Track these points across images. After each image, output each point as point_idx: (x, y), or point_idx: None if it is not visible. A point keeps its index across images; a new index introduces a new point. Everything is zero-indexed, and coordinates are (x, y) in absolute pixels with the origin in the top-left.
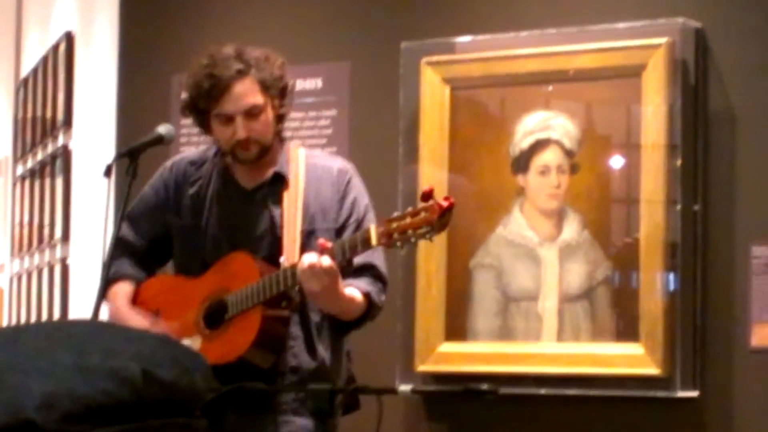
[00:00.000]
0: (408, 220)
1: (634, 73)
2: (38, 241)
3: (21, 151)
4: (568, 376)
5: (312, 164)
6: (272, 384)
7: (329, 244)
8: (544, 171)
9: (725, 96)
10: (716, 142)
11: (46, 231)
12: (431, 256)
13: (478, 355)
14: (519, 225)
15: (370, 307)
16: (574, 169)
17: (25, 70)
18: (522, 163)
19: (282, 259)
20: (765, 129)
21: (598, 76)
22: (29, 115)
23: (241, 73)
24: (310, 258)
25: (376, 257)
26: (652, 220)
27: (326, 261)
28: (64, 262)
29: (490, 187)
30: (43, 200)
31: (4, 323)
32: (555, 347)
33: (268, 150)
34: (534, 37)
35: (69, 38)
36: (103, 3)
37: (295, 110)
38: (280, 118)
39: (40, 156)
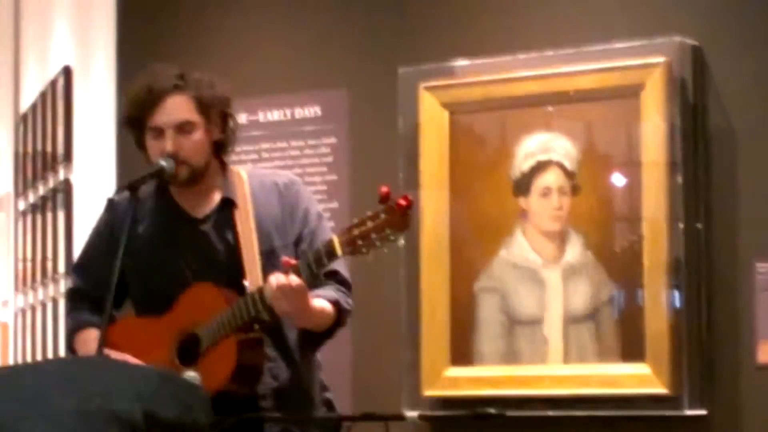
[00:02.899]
0: (369, 224)
1: (633, 92)
2: (42, 275)
3: (22, 186)
4: (576, 397)
5: (258, 183)
6: (253, 408)
7: (293, 261)
8: (546, 193)
9: (724, 112)
10: (717, 158)
11: (50, 265)
12: (435, 280)
13: (484, 378)
14: (522, 248)
15: (341, 315)
16: (575, 190)
17: (25, 105)
18: (523, 185)
19: (246, 283)
20: (765, 144)
21: (597, 97)
22: (30, 150)
23: (177, 88)
24: (278, 279)
25: (337, 263)
26: (655, 238)
27: (295, 280)
28: None
29: (491, 211)
30: (45, 234)
31: (10, 358)
32: (561, 369)
33: (200, 174)
34: (532, 59)
35: (67, 73)
36: (100, 37)
37: (295, 139)
38: (219, 146)
39: (41, 191)
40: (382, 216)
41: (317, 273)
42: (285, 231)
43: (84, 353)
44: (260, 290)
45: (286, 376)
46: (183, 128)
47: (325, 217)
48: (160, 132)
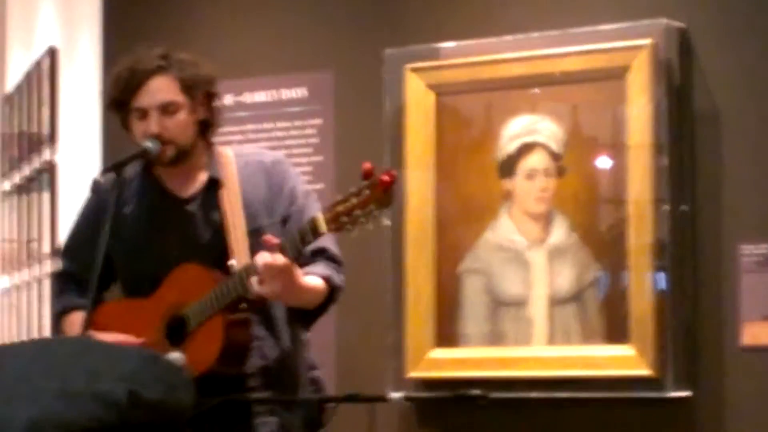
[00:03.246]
0: (353, 200)
1: (619, 74)
2: (26, 257)
3: (7, 167)
4: (560, 379)
5: (243, 163)
6: (241, 387)
7: (276, 240)
8: (531, 174)
9: (710, 95)
10: (702, 141)
11: (34, 246)
12: (420, 262)
13: (468, 360)
14: (507, 229)
15: (333, 291)
16: (560, 171)
17: (9, 86)
18: (509, 167)
19: (232, 263)
20: (750, 127)
21: (583, 79)
22: (14, 131)
23: (161, 69)
24: (264, 259)
25: (326, 240)
26: (640, 220)
27: (280, 259)
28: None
29: (477, 192)
30: (30, 215)
31: None
32: (546, 350)
33: (186, 154)
34: (518, 41)
35: (52, 54)
36: (85, 18)
37: (281, 120)
38: (205, 126)
39: (26, 172)
40: (366, 192)
41: (302, 250)
42: (272, 210)
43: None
44: (246, 270)
45: (274, 355)
46: (167, 109)
47: (314, 195)
48: (144, 113)
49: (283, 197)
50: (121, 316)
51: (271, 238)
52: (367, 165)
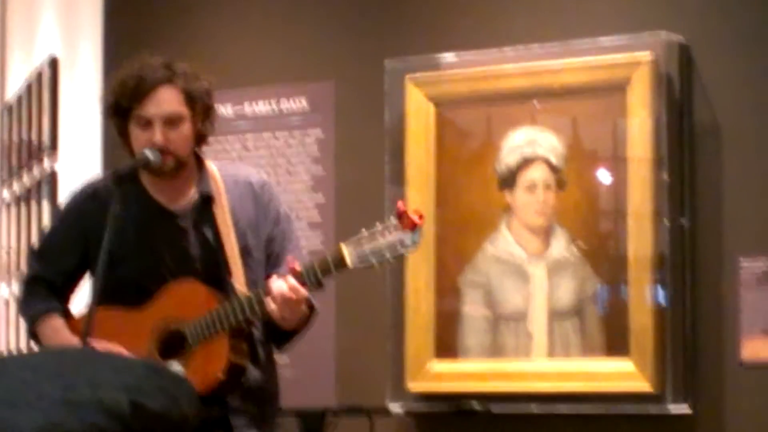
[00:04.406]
0: (380, 238)
1: (619, 87)
2: (27, 266)
3: (7, 176)
4: (559, 393)
5: (231, 179)
6: (222, 406)
7: (297, 267)
8: (531, 187)
9: (710, 109)
10: (702, 154)
11: None
12: (420, 274)
13: (468, 373)
14: (507, 242)
15: (312, 315)
16: (560, 184)
17: (10, 95)
18: (509, 179)
19: (234, 282)
20: (750, 141)
21: (584, 92)
22: (14, 139)
23: (168, 80)
24: (283, 288)
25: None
26: (640, 234)
27: (303, 291)
28: None
29: (477, 205)
30: (30, 225)
31: None
32: (545, 364)
33: (183, 166)
34: (518, 53)
35: (53, 62)
36: (86, 26)
37: (281, 130)
38: (200, 138)
39: (26, 181)
40: (394, 230)
41: (322, 281)
42: (258, 230)
43: (50, 341)
44: (258, 294)
45: (254, 376)
46: (172, 120)
47: (293, 220)
48: (148, 122)
49: (269, 219)
50: (110, 325)
51: (293, 262)
52: (402, 206)
